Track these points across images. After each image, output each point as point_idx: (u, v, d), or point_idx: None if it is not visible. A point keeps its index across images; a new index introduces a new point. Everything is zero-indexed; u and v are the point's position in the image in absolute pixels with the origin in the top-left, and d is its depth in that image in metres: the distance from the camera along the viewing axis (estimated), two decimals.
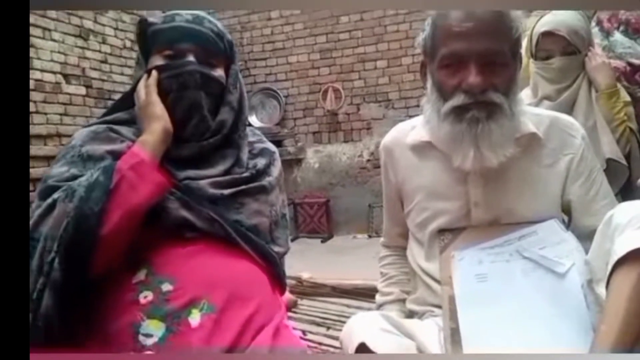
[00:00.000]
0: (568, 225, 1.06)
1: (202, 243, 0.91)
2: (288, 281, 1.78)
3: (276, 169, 1.09)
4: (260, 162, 1.05)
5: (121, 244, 0.84)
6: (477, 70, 0.89)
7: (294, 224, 5.08)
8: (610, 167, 1.51)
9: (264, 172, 1.05)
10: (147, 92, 0.95)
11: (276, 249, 1.03)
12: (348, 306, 1.53)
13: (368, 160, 5.03)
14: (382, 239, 1.27)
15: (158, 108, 0.93)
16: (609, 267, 0.78)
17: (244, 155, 1.03)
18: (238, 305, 0.86)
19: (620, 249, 0.77)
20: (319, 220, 5.02)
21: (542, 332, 0.86)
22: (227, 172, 0.99)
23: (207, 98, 0.98)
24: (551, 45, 1.55)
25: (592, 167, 1.05)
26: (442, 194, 1.03)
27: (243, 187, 0.99)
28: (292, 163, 5.14)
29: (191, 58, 0.97)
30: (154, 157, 0.89)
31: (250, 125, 1.13)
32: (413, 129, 1.09)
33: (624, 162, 1.55)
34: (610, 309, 0.77)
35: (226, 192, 0.96)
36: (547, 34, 1.54)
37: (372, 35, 5.03)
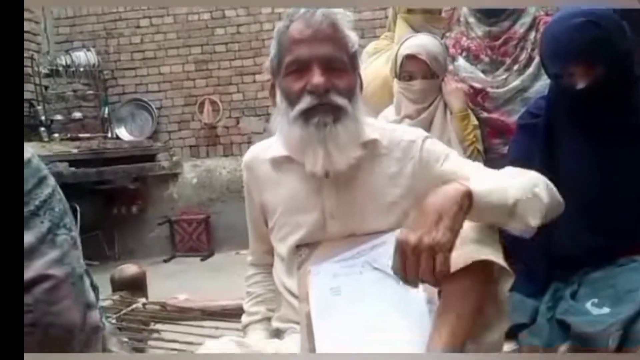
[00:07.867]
0: None
1: None
2: (152, 307, 1.60)
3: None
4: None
5: None
6: (319, 72, 0.96)
7: (171, 243, 4.80)
8: None
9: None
10: None
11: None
12: (217, 328, 1.46)
13: None
14: (249, 258, 1.25)
15: None
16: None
17: None
18: None
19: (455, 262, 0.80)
20: (197, 237, 4.78)
21: (391, 342, 0.87)
22: None
23: None
24: (414, 67, 1.68)
25: (443, 152, 1.06)
26: (299, 207, 1.05)
27: None
28: (167, 178, 4.87)
29: None
30: None
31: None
32: (271, 146, 1.11)
33: None
34: (441, 314, 0.82)
35: None
36: (410, 57, 1.66)
37: (249, 49, 5.01)
